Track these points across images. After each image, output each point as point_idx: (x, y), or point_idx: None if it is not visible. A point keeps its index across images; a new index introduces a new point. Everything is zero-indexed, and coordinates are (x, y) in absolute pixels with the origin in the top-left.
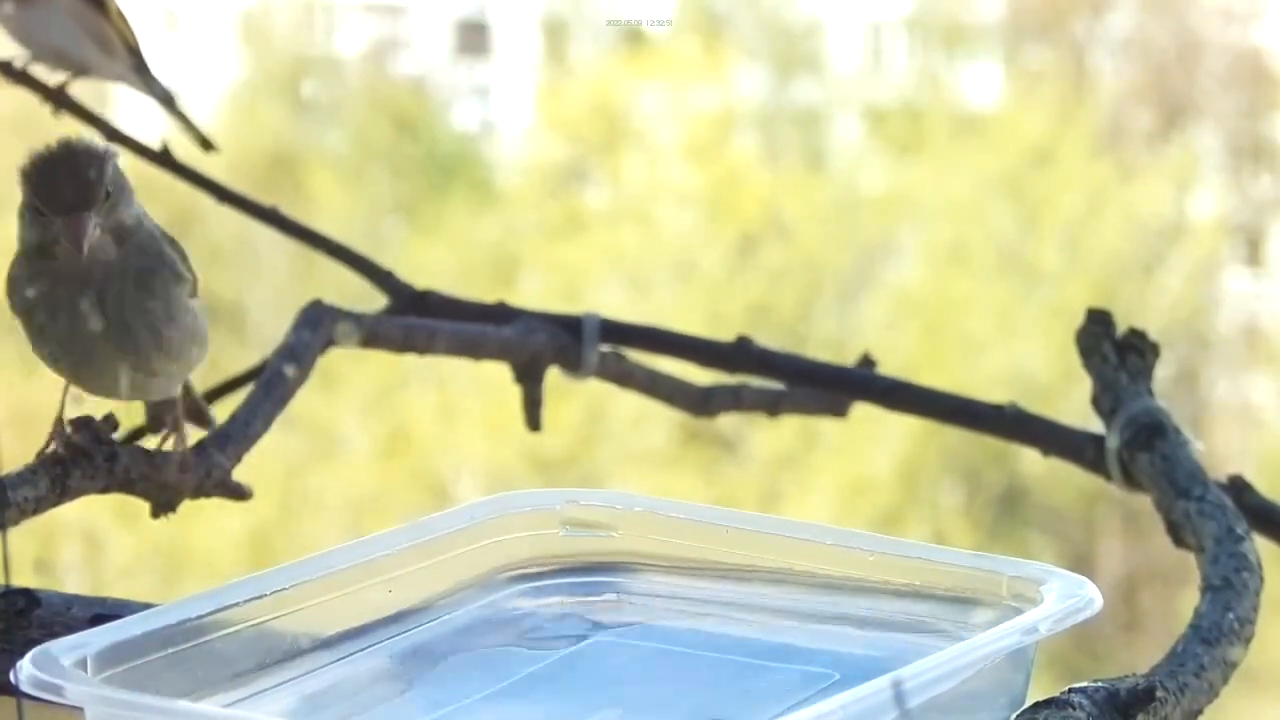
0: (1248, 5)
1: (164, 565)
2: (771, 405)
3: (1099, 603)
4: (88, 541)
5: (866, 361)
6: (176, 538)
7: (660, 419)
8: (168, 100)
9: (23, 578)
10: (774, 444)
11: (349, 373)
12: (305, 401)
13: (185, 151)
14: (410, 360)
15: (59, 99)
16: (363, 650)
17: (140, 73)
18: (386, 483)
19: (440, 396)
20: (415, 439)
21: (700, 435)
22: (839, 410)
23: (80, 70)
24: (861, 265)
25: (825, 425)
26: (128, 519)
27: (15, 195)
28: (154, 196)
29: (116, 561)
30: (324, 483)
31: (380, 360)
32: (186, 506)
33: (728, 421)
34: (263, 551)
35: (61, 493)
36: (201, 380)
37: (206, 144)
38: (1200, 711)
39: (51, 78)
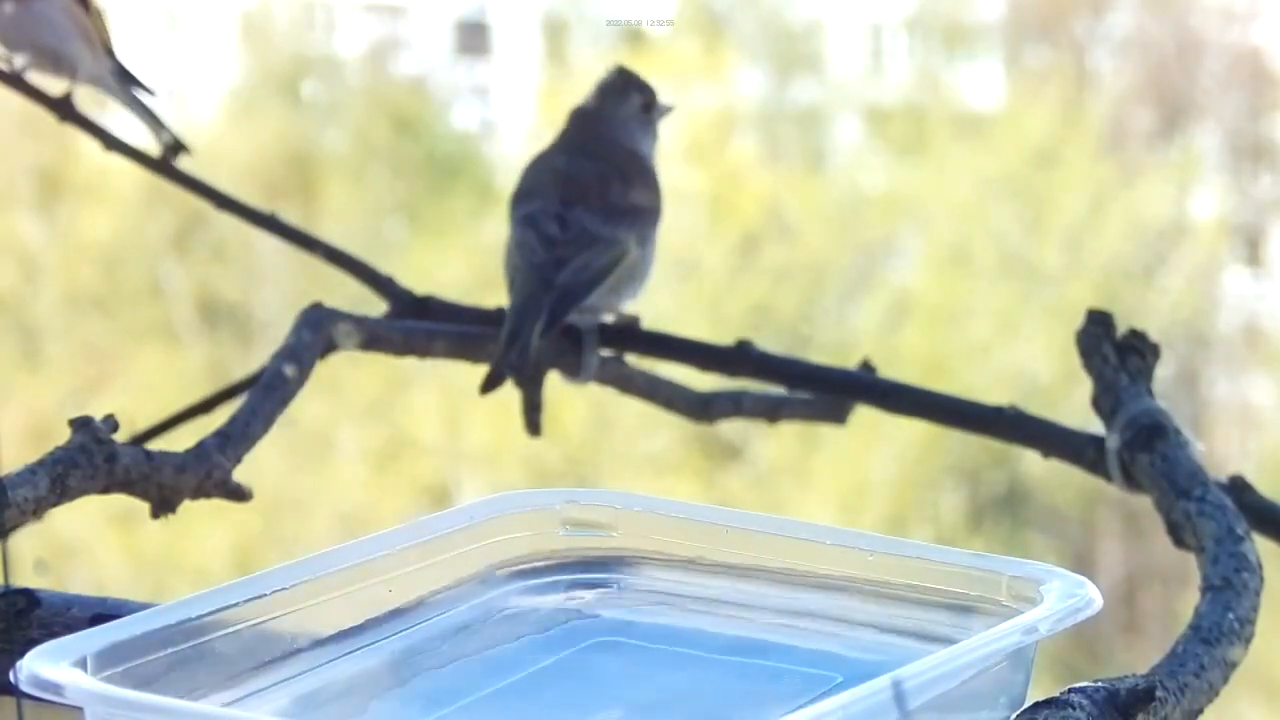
0: (1248, 5)
1: (166, 566)
2: (772, 411)
3: (1099, 603)
4: (86, 544)
5: (866, 367)
6: (174, 540)
7: (664, 425)
8: (143, 107)
9: (23, 578)
10: (776, 447)
11: (351, 377)
12: (309, 407)
13: (186, 160)
14: (414, 365)
15: (63, 109)
16: (362, 649)
17: (118, 76)
18: (388, 488)
19: (443, 401)
20: (418, 444)
21: (704, 440)
22: (839, 417)
23: (69, 73)
24: (862, 266)
25: (827, 428)
26: (126, 522)
27: (17, 195)
28: (158, 199)
29: (112, 566)
30: (325, 486)
31: (384, 365)
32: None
33: (730, 426)
34: (271, 555)
35: (61, 493)
36: (205, 382)
37: (178, 147)
38: (1200, 711)
39: (52, 87)
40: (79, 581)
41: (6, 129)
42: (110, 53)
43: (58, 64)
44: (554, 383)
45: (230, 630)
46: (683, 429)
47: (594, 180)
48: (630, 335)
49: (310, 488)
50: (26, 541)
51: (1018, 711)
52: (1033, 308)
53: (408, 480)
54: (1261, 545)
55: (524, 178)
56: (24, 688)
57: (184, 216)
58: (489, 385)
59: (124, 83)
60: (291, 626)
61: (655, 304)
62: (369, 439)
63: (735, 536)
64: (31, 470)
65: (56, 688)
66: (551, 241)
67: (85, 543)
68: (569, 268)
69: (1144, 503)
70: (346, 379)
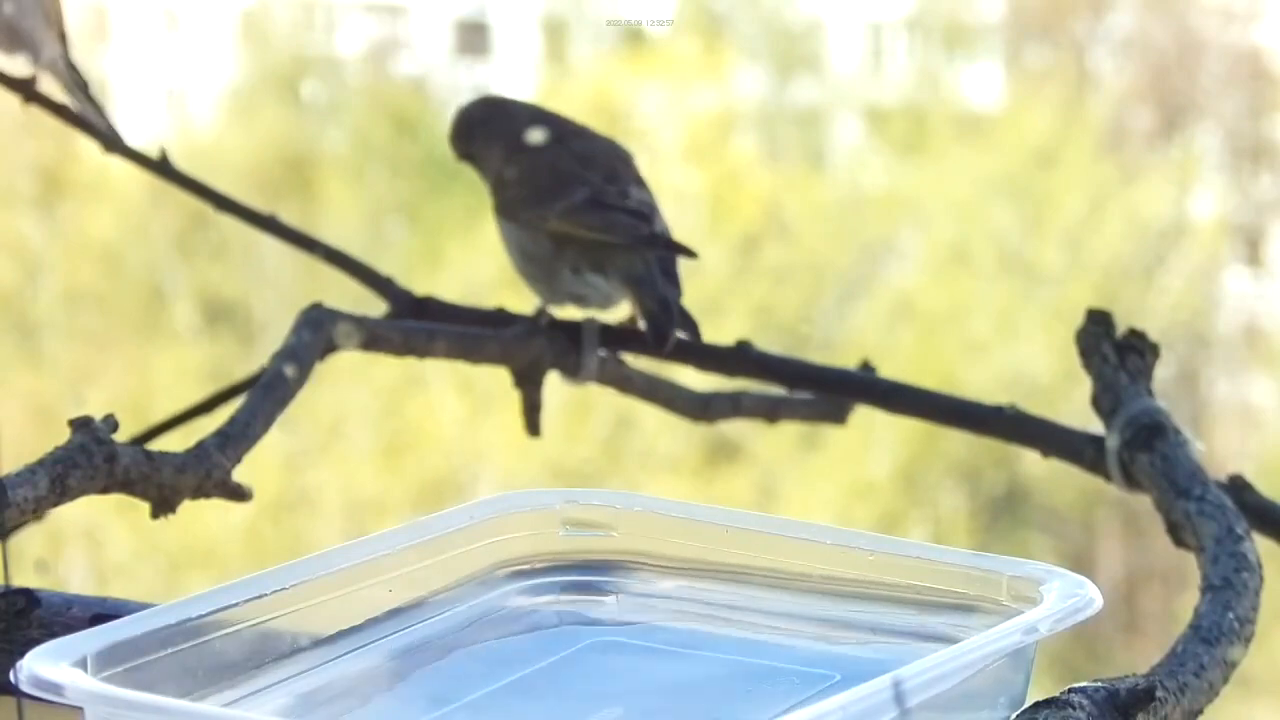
0: (1248, 5)
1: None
2: (772, 411)
3: (1099, 603)
4: (88, 540)
5: (866, 367)
6: (183, 533)
7: (680, 426)
8: (83, 88)
9: (23, 578)
10: (776, 447)
11: (363, 374)
12: (326, 403)
13: (186, 159)
14: (430, 363)
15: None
16: (361, 649)
17: (66, 60)
18: (403, 488)
19: (458, 402)
20: (433, 444)
21: (704, 440)
22: (839, 417)
23: (32, 53)
24: (862, 265)
25: (826, 428)
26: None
27: (18, 193)
28: (160, 198)
29: (116, 559)
30: (338, 483)
31: (400, 363)
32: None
33: (731, 426)
34: (289, 552)
35: (61, 493)
36: (205, 382)
37: (113, 141)
38: (1200, 711)
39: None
40: (85, 571)
41: (7, 128)
42: (63, 38)
43: (15, 42)
44: (559, 384)
45: (230, 630)
46: (692, 430)
47: (613, 158)
48: (630, 336)
49: (322, 484)
50: (28, 540)
51: (1018, 711)
52: (1033, 308)
53: (420, 478)
54: (1261, 545)
55: (535, 171)
56: (24, 688)
57: (185, 216)
58: (660, 349)
59: (72, 69)
60: (292, 626)
61: None
62: (384, 436)
63: (735, 537)
64: (31, 470)
65: (56, 688)
66: (643, 215)
67: (92, 532)
68: (662, 234)
69: (1144, 503)
70: (363, 375)
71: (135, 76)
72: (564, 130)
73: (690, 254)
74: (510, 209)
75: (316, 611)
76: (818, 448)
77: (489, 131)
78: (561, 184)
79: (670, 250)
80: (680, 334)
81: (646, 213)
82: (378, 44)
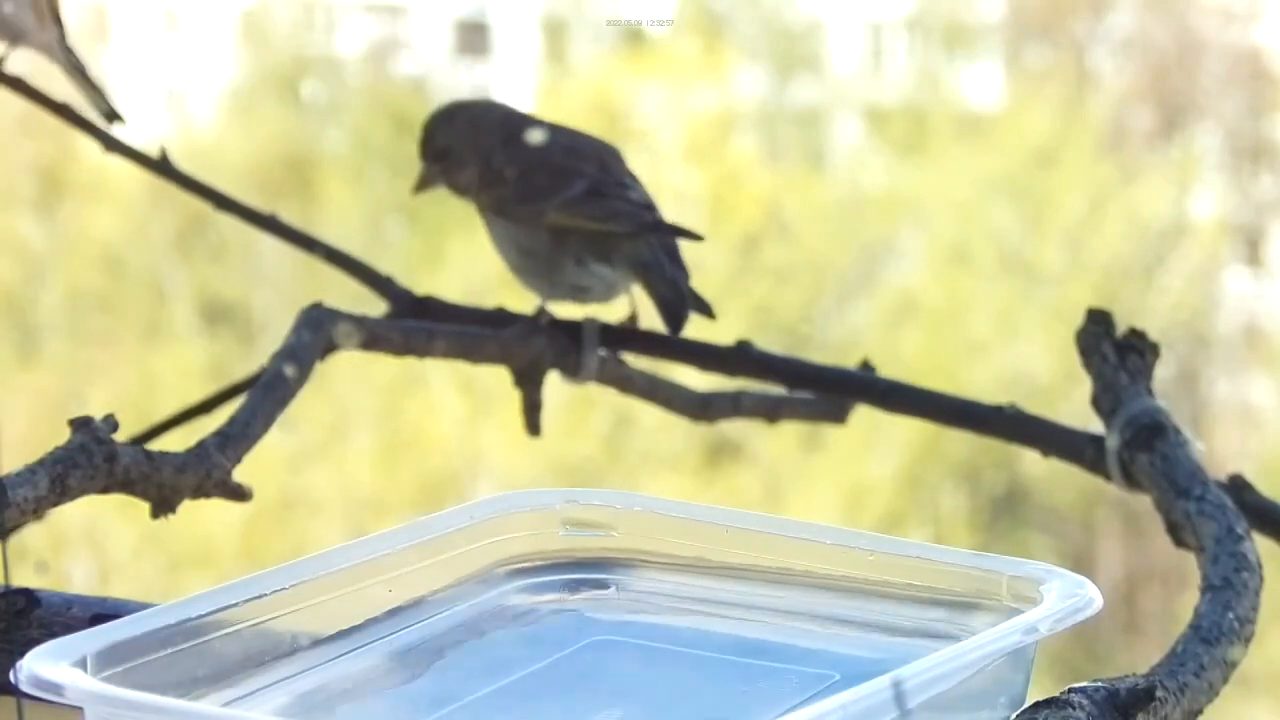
0: (1248, 5)
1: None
2: (772, 411)
3: (1099, 603)
4: (88, 540)
5: (866, 367)
6: (187, 535)
7: (682, 426)
8: (81, 70)
9: (23, 578)
10: (776, 447)
11: (363, 374)
12: (321, 403)
13: (186, 159)
14: (428, 365)
15: (68, 112)
16: (361, 649)
17: (62, 44)
18: (403, 488)
19: (458, 402)
20: (433, 444)
21: (705, 440)
22: (839, 417)
23: (13, 38)
24: (863, 265)
25: (827, 428)
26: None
27: (18, 194)
28: (160, 198)
29: (116, 559)
30: (329, 483)
31: (402, 362)
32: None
33: (731, 426)
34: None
35: (61, 493)
36: (205, 382)
37: (113, 115)
38: (1200, 711)
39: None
40: (86, 571)
41: (7, 128)
42: (58, 19)
43: (12, 33)
44: (564, 383)
45: (230, 630)
46: (692, 430)
47: (605, 152)
48: (630, 335)
49: (322, 484)
50: (28, 540)
51: (1018, 711)
52: (1033, 308)
53: (420, 478)
54: (1261, 545)
55: (529, 167)
56: (24, 688)
57: (185, 216)
58: (675, 329)
59: (68, 52)
60: (291, 626)
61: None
62: (384, 436)
63: (735, 536)
64: (31, 470)
65: (56, 688)
66: (646, 204)
67: (92, 532)
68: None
69: (1144, 503)
70: (363, 375)
71: (135, 76)
72: (548, 127)
73: (695, 236)
74: (502, 205)
75: (316, 611)
76: (818, 448)
77: (469, 132)
78: (557, 178)
79: (676, 235)
80: (696, 313)
81: (647, 202)
82: (378, 44)
